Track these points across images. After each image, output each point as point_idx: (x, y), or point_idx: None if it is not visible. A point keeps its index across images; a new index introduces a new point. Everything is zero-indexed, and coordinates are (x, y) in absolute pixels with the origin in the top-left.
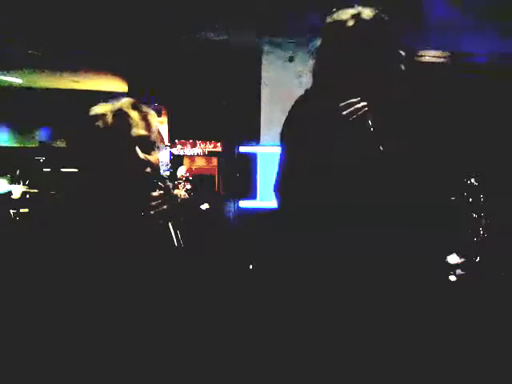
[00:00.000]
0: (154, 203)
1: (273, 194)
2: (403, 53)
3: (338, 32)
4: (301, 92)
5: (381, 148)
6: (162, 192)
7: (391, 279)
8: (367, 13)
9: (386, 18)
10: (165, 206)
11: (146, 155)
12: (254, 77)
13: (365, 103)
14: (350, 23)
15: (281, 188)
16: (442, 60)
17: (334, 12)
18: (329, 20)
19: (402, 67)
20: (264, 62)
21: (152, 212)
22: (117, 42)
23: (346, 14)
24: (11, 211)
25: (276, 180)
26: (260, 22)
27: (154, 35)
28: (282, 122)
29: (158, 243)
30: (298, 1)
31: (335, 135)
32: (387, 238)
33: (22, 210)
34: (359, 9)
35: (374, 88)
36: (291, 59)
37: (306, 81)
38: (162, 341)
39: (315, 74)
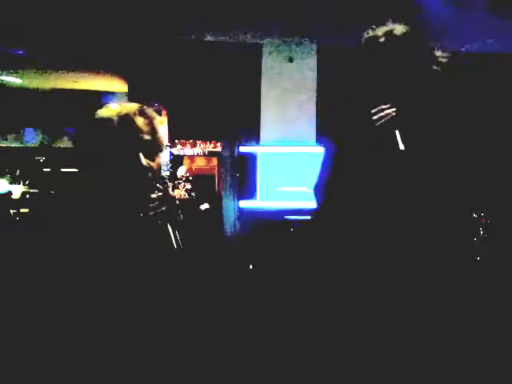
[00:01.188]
0: (152, 205)
1: (313, 195)
2: (434, 65)
3: (372, 47)
4: (300, 92)
5: (402, 149)
6: (160, 194)
7: (395, 276)
8: (399, 29)
9: (417, 33)
10: (163, 208)
11: (149, 161)
12: (254, 77)
13: (393, 109)
14: (382, 39)
15: (322, 189)
16: (442, 60)
17: (372, 29)
18: (366, 36)
19: (432, 77)
20: (264, 61)
21: (151, 213)
22: (117, 42)
23: (380, 31)
24: (11, 211)
25: (318, 181)
26: (260, 22)
27: (154, 35)
28: (282, 122)
29: (158, 243)
30: (299, 1)
31: (367, 139)
32: (409, 235)
33: (22, 210)
34: (392, 26)
35: (404, 96)
36: (291, 59)
37: (305, 81)
38: (163, 340)
39: (359, 84)
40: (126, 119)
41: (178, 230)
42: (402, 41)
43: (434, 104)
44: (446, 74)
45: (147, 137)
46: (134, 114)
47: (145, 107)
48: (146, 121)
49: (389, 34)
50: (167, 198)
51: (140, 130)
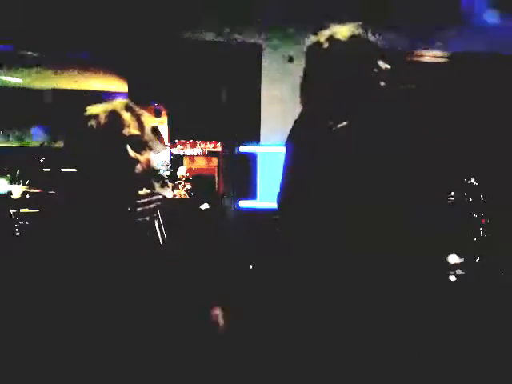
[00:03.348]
0: (140, 201)
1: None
2: (385, 66)
3: (315, 54)
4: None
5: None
6: (148, 191)
7: (390, 280)
8: (342, 33)
9: (363, 36)
10: (151, 205)
11: (137, 154)
12: (254, 77)
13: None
14: (326, 45)
15: (280, 199)
16: (442, 60)
17: (315, 34)
18: (309, 42)
19: (382, 83)
20: (264, 61)
21: (138, 209)
22: (117, 42)
23: (322, 36)
24: (11, 211)
25: (279, 191)
26: (260, 22)
27: (154, 35)
28: (282, 122)
29: (144, 240)
30: (298, 1)
31: (318, 141)
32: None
33: (22, 210)
34: (335, 29)
35: (351, 105)
36: (291, 59)
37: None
38: (159, 340)
39: (301, 92)
40: (112, 114)
41: (164, 227)
42: (346, 45)
43: (385, 112)
44: (399, 79)
45: (134, 131)
46: (121, 109)
47: (132, 103)
48: (134, 117)
49: (331, 38)
50: (155, 196)
51: (126, 124)
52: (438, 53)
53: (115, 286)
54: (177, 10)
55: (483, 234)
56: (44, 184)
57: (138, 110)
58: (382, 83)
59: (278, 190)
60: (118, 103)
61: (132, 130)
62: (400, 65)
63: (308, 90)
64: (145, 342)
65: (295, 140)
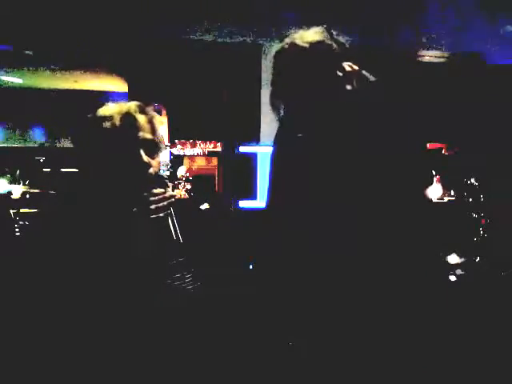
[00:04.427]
0: (155, 198)
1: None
2: (352, 68)
3: (278, 60)
4: None
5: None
6: (162, 190)
7: (389, 280)
8: (303, 39)
9: (326, 40)
10: (165, 202)
11: (150, 159)
12: (254, 77)
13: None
14: (287, 51)
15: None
16: (441, 60)
17: (281, 40)
18: (273, 51)
19: (348, 86)
20: (264, 62)
21: (152, 206)
22: (117, 42)
23: (284, 44)
24: (11, 211)
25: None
26: (260, 22)
27: (155, 35)
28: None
29: (159, 237)
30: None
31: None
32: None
33: (22, 210)
34: (297, 35)
35: (311, 109)
36: None
37: None
38: (159, 340)
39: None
40: (127, 117)
41: (177, 224)
42: (305, 51)
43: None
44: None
45: (148, 135)
46: (135, 112)
47: (144, 105)
48: (147, 119)
49: (291, 44)
50: (168, 194)
51: (141, 128)
52: (438, 53)
53: (122, 285)
54: (177, 11)
55: (483, 234)
56: (44, 184)
57: (150, 112)
58: (349, 86)
59: (265, 191)
60: (132, 105)
61: (146, 133)
62: (400, 64)
63: (274, 95)
64: (152, 340)
65: (275, 143)
